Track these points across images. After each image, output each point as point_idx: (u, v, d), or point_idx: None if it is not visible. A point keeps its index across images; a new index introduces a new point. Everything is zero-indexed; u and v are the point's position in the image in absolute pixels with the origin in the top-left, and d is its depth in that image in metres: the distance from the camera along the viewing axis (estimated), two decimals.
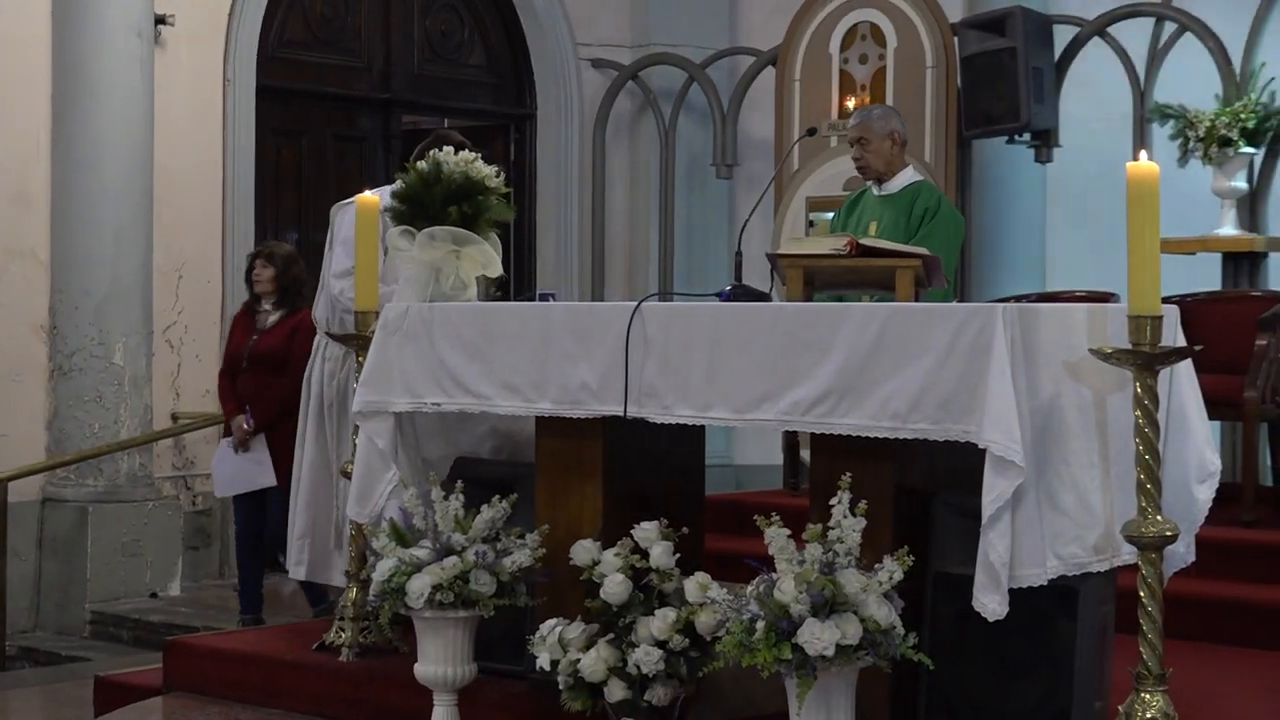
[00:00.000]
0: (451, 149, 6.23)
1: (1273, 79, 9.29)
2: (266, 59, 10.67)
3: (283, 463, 8.40)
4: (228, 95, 10.38)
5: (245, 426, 8.48)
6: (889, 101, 10.09)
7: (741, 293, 5.64)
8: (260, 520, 8.66)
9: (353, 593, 6.12)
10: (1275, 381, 7.73)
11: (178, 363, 10.12)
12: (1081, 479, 4.64)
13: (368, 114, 11.36)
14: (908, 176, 7.38)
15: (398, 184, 6.99)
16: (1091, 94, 10.64)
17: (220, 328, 10.27)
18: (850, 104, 10.44)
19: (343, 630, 6.10)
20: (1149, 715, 4.36)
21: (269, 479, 8.48)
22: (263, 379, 8.51)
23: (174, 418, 10.07)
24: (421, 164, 6.18)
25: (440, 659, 5.27)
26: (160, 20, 9.88)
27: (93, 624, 9.32)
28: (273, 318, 8.63)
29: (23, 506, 9.38)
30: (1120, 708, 4.43)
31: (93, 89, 9.48)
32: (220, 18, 10.35)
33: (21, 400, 9.56)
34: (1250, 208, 9.31)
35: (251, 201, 10.49)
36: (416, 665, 5.34)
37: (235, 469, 8.57)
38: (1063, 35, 10.13)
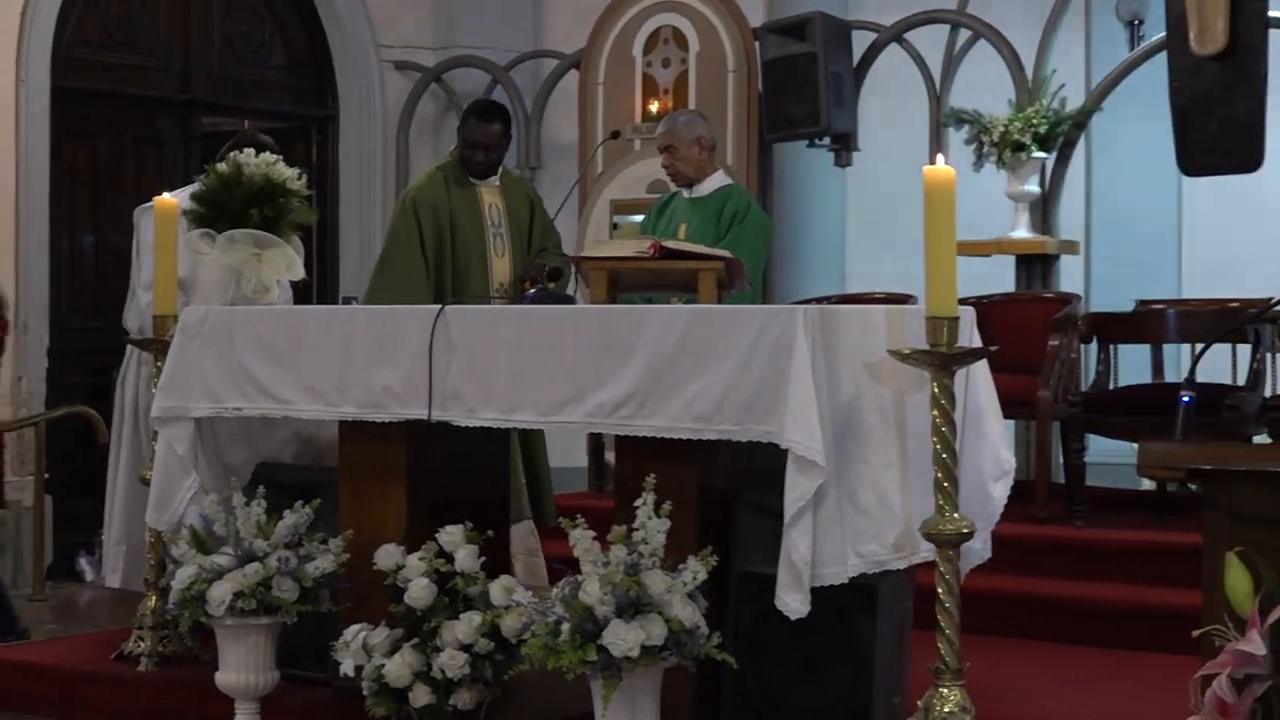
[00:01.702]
0: (253, 150, 6.16)
1: (1063, 85, 9.50)
2: (61, 59, 10.44)
3: None
4: (20, 96, 10.14)
5: None
6: (692, 105, 10.15)
7: (546, 295, 5.66)
8: None
9: (152, 601, 6.03)
10: (1067, 381, 7.92)
11: None
12: (881, 478, 4.71)
13: (167, 115, 11.17)
14: (718, 180, 7.44)
15: (197, 185, 6.91)
16: (890, 99, 10.81)
17: (14, 333, 10.03)
18: (653, 107, 10.49)
19: (142, 639, 6.01)
20: (947, 709, 4.44)
21: None
22: None
23: None
24: (222, 166, 6.11)
25: (242, 667, 5.22)
26: None
27: None
28: None
29: None
30: (919, 702, 4.51)
31: None
32: (12, 16, 10.12)
33: None
34: (1043, 211, 9.51)
35: (46, 204, 10.26)
36: (218, 673, 5.28)
37: None
38: (861, 40, 10.27)
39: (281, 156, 6.23)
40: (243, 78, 11.53)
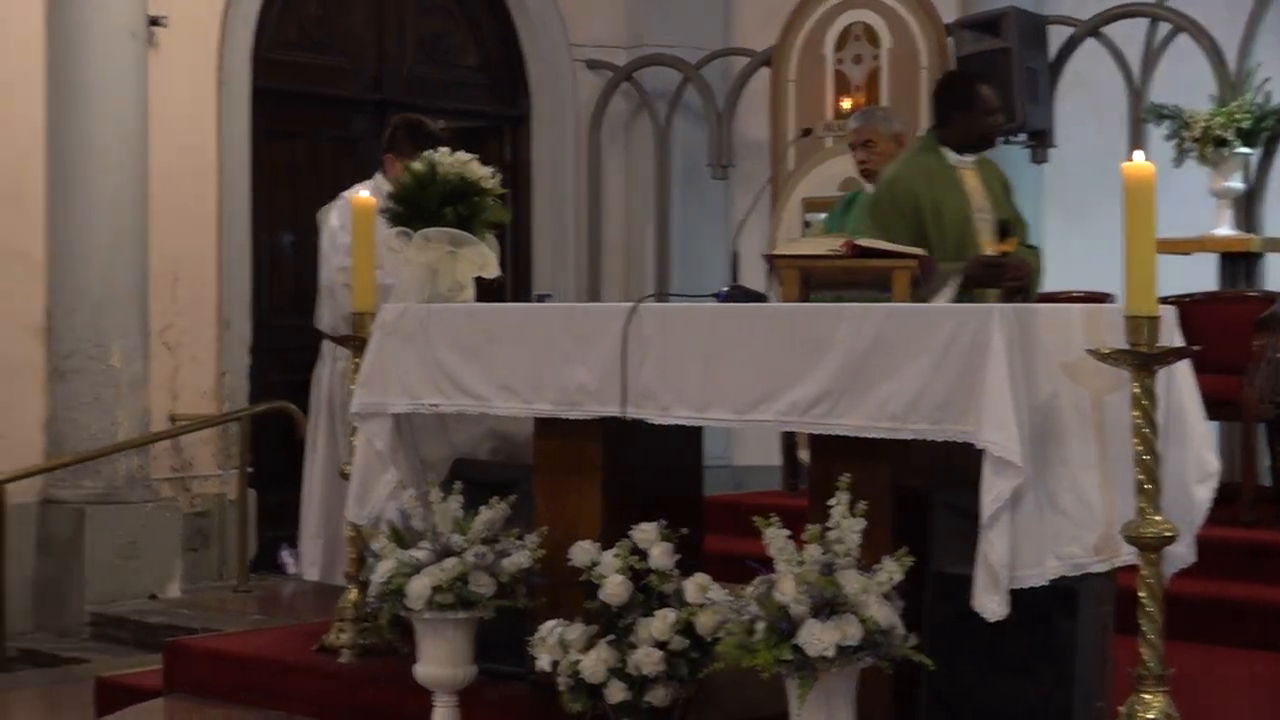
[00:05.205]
0: (446, 149, 6.23)
1: (1268, 79, 9.30)
2: (260, 60, 10.65)
3: None
4: (222, 97, 10.37)
5: None
6: (884, 102, 10.10)
7: (738, 293, 5.65)
8: None
9: (352, 594, 6.12)
10: (1273, 381, 7.74)
11: (175, 364, 10.11)
12: (1080, 479, 4.64)
13: (361, 115, 11.35)
14: None
15: (377, 177, 7.04)
16: (1087, 94, 10.65)
17: (216, 329, 10.27)
18: (845, 104, 10.45)
19: (343, 632, 6.10)
20: (1150, 716, 4.36)
21: None
22: None
23: (172, 419, 10.06)
24: (417, 165, 6.19)
25: (440, 660, 5.27)
26: (154, 21, 9.86)
27: (93, 625, 9.30)
28: None
29: (21, 508, 9.37)
30: (1121, 708, 4.43)
31: (87, 90, 9.46)
32: (214, 19, 10.34)
33: (19, 402, 9.55)
34: (1246, 208, 9.32)
35: (247, 203, 10.48)
36: (417, 666, 5.34)
37: None
38: (1057, 36, 10.14)
39: (475, 156, 6.29)
40: (436, 78, 11.68)
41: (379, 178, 7.18)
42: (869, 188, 7.60)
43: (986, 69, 9.78)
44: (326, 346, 7.15)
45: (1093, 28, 9.93)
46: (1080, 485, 4.63)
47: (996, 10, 9.98)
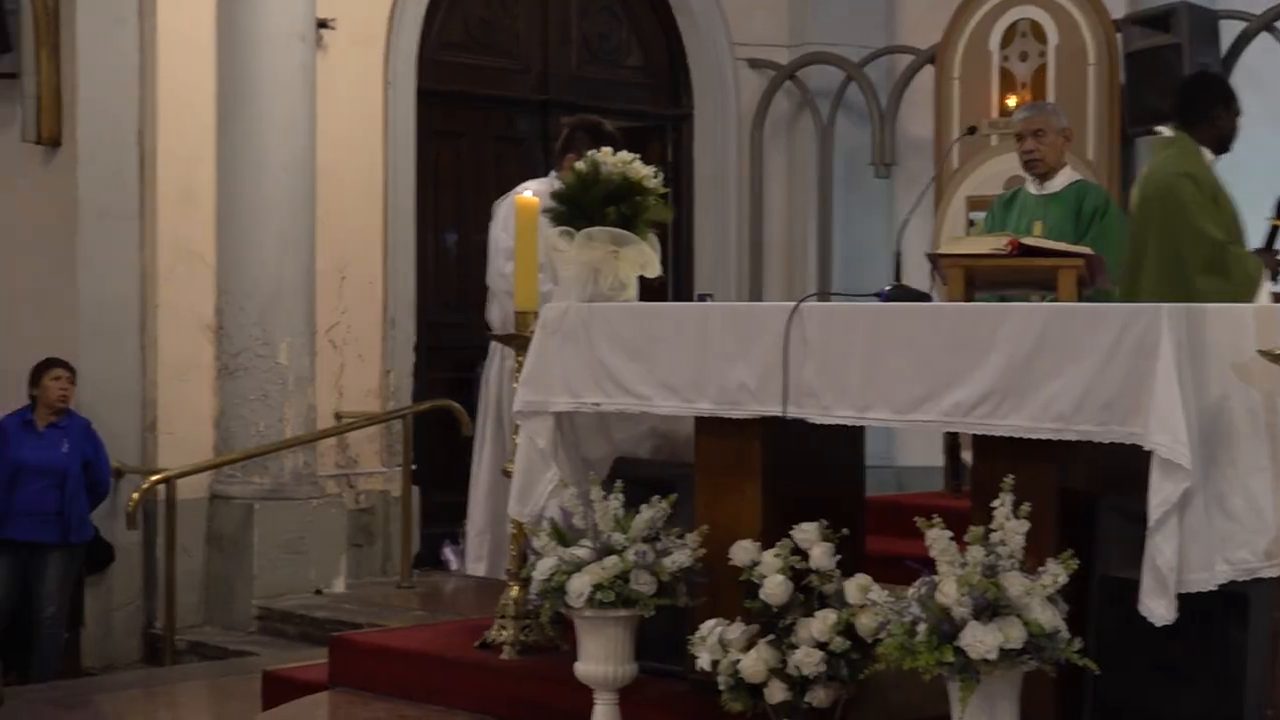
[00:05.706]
0: (609, 149, 6.24)
1: None
2: (426, 62, 10.77)
3: None
4: (388, 98, 10.49)
5: None
6: (1050, 99, 9.99)
7: (901, 293, 5.62)
8: None
9: (514, 591, 6.16)
10: None
11: (341, 362, 10.25)
12: (1251, 483, 4.56)
13: (526, 115, 11.43)
14: (1069, 175, 7.29)
15: (551, 176, 7.07)
16: (1260, 91, 10.43)
17: (382, 328, 10.39)
18: (1011, 102, 10.35)
19: (504, 628, 6.14)
20: None
21: None
22: None
23: (338, 416, 10.19)
24: (580, 165, 6.21)
25: (601, 658, 5.29)
26: (322, 24, 10.01)
27: (260, 619, 9.46)
28: None
29: (191, 503, 9.55)
30: None
31: (256, 93, 9.62)
32: (380, 21, 10.47)
33: (189, 399, 9.74)
34: None
35: (412, 203, 10.60)
36: (577, 664, 5.35)
37: None
38: (1229, 30, 9.96)
39: (638, 155, 6.31)
40: (599, 78, 11.73)
41: (553, 177, 7.21)
42: (1032, 185, 7.50)
43: (1156, 66, 9.65)
44: (495, 345, 7.21)
45: (1266, 22, 9.74)
46: (1251, 489, 4.55)
47: (1166, 5, 9.83)
